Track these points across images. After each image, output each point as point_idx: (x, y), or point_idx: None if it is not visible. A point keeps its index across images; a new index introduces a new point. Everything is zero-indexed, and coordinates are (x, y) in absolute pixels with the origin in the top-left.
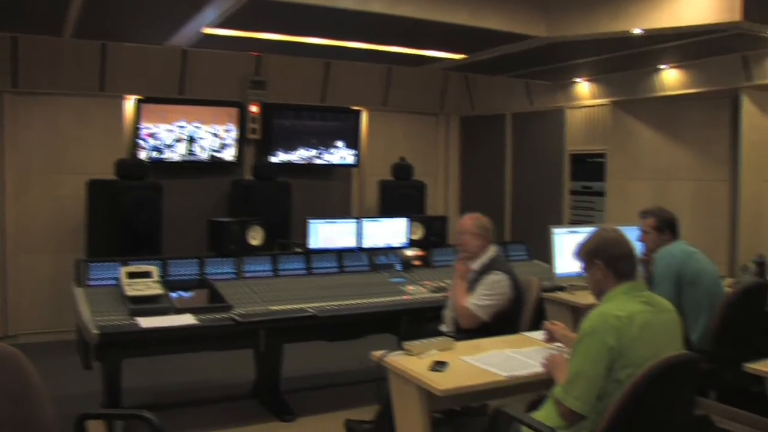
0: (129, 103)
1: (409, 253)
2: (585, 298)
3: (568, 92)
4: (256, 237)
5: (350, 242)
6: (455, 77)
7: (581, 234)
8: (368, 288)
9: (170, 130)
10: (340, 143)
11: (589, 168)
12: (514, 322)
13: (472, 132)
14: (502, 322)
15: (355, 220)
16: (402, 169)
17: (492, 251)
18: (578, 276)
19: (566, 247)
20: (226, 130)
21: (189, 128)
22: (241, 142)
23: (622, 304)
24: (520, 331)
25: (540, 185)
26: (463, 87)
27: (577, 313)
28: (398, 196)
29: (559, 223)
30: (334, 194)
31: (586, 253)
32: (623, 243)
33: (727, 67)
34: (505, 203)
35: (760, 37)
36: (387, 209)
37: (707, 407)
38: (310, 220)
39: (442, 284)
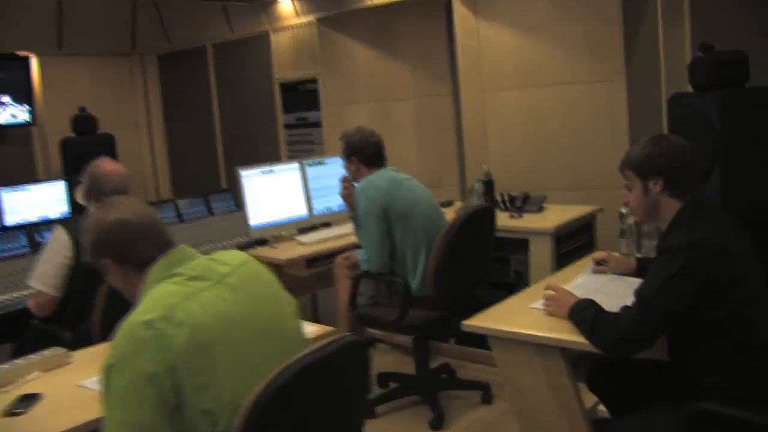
0: None
1: None
2: (290, 251)
3: (270, 13)
4: None
5: None
6: (144, 7)
7: (278, 173)
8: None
9: None
10: (6, 98)
11: (302, 97)
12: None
13: (173, 71)
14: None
15: None
16: (83, 122)
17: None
18: (278, 225)
19: (260, 192)
20: None
21: None
22: None
23: (155, 301)
24: None
25: (252, 123)
26: (156, 19)
27: (281, 274)
28: (83, 155)
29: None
30: (10, 161)
31: (91, 253)
32: (131, 223)
33: None
34: (217, 148)
35: None
36: (73, 171)
37: (446, 352)
38: None
39: None
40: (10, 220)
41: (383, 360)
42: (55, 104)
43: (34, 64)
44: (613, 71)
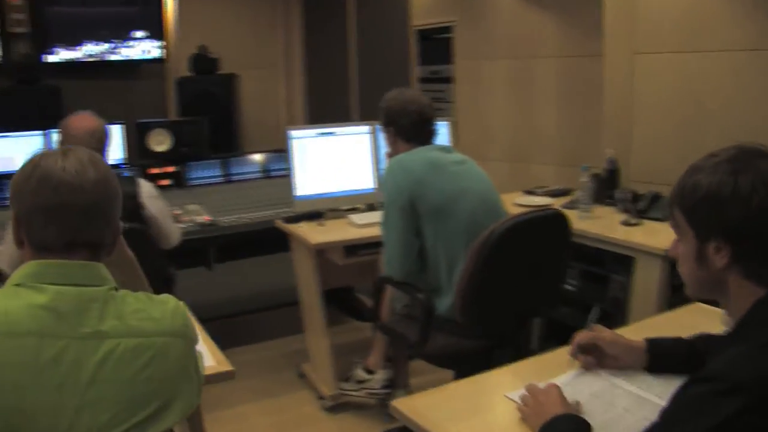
0: None
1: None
2: (330, 232)
3: None
4: None
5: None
6: None
7: (340, 136)
8: None
9: None
10: (140, 33)
11: (436, 48)
12: None
13: (315, 11)
14: None
15: (40, 133)
16: (202, 62)
17: None
18: (330, 198)
19: (313, 158)
20: None
21: None
22: (4, 37)
23: None
24: None
25: (387, 74)
26: None
27: (322, 258)
28: (200, 95)
29: None
30: (143, 97)
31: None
32: (51, 186)
33: None
34: (351, 98)
35: None
36: (188, 112)
37: None
38: None
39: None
40: None
41: (444, 376)
42: (190, 41)
43: None
44: None
